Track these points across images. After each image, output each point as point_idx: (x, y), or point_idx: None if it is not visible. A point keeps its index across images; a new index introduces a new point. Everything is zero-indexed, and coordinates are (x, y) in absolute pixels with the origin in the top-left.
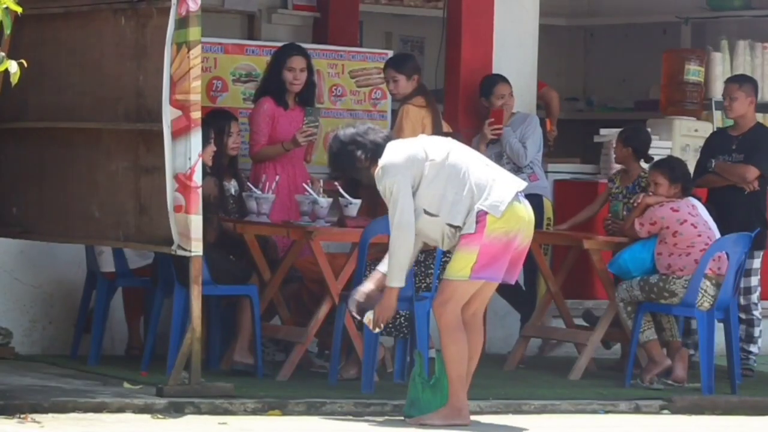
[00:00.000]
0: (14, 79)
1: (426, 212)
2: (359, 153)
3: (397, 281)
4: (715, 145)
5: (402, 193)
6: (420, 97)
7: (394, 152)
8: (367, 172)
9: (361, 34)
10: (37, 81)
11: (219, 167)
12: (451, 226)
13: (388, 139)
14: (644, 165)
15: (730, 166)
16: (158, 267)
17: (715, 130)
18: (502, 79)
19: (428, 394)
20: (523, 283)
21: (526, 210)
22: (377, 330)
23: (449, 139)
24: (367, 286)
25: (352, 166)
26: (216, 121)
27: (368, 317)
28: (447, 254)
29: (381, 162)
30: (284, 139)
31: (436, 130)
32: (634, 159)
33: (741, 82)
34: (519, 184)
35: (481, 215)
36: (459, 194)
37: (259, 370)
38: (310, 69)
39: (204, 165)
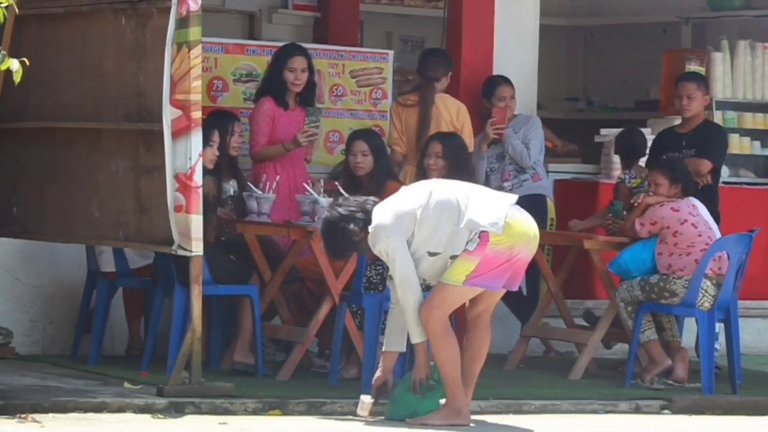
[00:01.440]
0: (17, 78)
1: (430, 253)
2: (352, 226)
3: (419, 336)
4: (664, 143)
5: (398, 252)
6: (411, 94)
7: (381, 214)
8: (365, 242)
9: (361, 34)
10: (37, 81)
11: (218, 167)
12: (453, 257)
13: (375, 203)
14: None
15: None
16: (158, 267)
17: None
18: (504, 80)
19: (409, 395)
20: (525, 286)
21: (530, 225)
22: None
23: (430, 181)
24: (377, 374)
25: (350, 241)
26: (219, 122)
27: (363, 401)
28: None
29: (370, 227)
30: (284, 139)
31: (421, 130)
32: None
33: (698, 81)
34: (510, 198)
35: (483, 234)
36: (456, 225)
37: (260, 370)
38: (311, 69)
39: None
